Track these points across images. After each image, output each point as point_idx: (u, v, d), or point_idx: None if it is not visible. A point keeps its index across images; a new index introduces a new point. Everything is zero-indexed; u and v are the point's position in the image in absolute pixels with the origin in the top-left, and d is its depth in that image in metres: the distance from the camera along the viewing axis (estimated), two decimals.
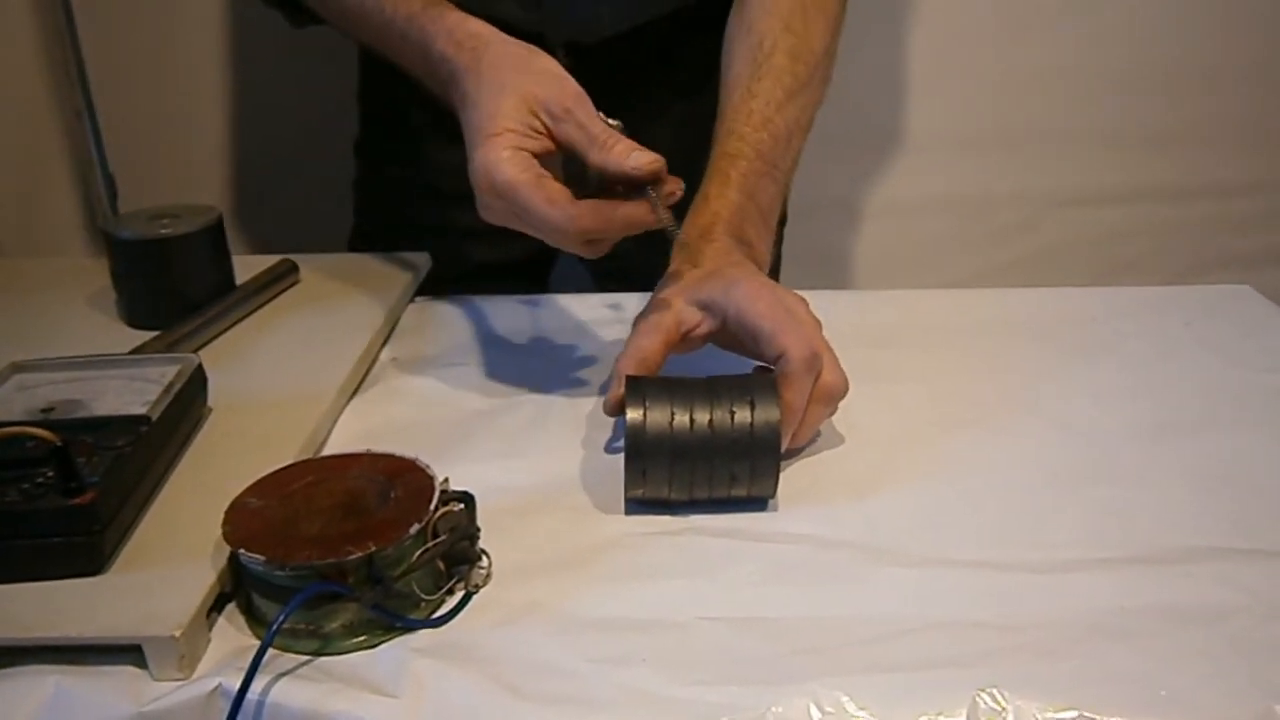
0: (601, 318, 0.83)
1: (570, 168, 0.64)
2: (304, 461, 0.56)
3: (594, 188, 0.62)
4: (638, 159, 0.60)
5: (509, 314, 0.84)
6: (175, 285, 0.77)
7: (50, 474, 0.51)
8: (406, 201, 0.99)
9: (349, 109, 1.01)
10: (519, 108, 0.61)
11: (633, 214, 0.61)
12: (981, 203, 1.35)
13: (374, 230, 1.02)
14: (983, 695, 0.46)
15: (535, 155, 0.61)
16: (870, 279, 1.38)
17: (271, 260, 0.86)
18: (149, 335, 0.74)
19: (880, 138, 1.32)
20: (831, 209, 1.34)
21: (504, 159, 0.60)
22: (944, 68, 1.28)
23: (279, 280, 0.84)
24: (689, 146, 0.77)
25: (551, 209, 0.60)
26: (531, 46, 0.65)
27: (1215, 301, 0.86)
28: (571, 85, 0.63)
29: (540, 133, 0.62)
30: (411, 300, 0.87)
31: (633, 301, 0.84)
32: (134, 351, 0.70)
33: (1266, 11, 1.26)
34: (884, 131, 1.31)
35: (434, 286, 0.90)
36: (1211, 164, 1.33)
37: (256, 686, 0.46)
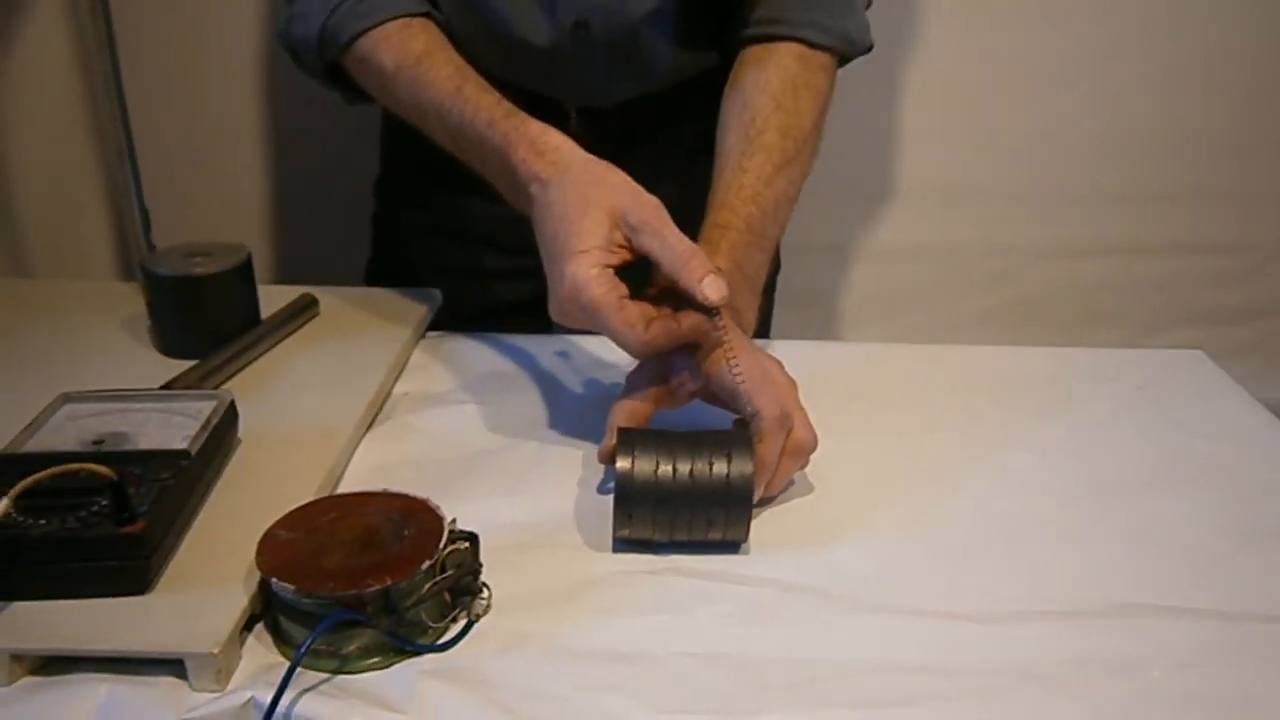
0: (600, 360, 0.90)
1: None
2: (327, 498, 0.63)
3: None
4: (710, 289, 0.65)
5: (514, 353, 0.91)
6: (207, 319, 0.84)
7: (104, 503, 0.57)
8: (421, 241, 1.05)
9: (370, 148, 1.08)
10: (602, 223, 0.67)
11: (697, 327, 0.67)
12: (965, 252, 1.42)
13: (389, 265, 1.08)
14: None
15: (615, 268, 0.67)
16: (857, 320, 1.45)
17: (293, 292, 0.93)
18: (182, 363, 0.80)
19: (872, 188, 1.39)
20: (823, 253, 1.41)
21: (592, 278, 0.66)
22: (934, 124, 1.35)
23: (301, 314, 0.91)
24: (689, 203, 0.83)
25: (630, 332, 0.66)
26: (608, 163, 0.71)
27: (1170, 366, 0.92)
28: (648, 197, 0.69)
29: (622, 247, 0.68)
30: (423, 336, 0.93)
31: None
32: (170, 382, 0.76)
33: (1241, 79, 1.33)
34: (875, 182, 1.38)
35: (444, 321, 0.96)
36: (1186, 223, 1.41)
37: (283, 701, 0.52)
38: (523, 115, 0.75)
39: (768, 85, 0.83)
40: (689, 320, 0.67)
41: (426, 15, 0.84)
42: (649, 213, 0.68)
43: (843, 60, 0.89)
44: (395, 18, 0.82)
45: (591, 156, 0.72)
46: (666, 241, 0.67)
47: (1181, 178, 1.39)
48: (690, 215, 0.81)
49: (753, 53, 0.86)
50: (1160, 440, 0.80)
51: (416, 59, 0.80)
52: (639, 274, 0.70)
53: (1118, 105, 1.35)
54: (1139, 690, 0.55)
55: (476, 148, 0.77)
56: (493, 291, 1.03)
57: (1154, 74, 1.34)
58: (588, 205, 0.68)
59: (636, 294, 0.69)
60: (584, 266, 0.66)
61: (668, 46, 0.90)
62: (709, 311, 0.67)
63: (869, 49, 0.90)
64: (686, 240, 0.67)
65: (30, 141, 1.26)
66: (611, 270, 0.67)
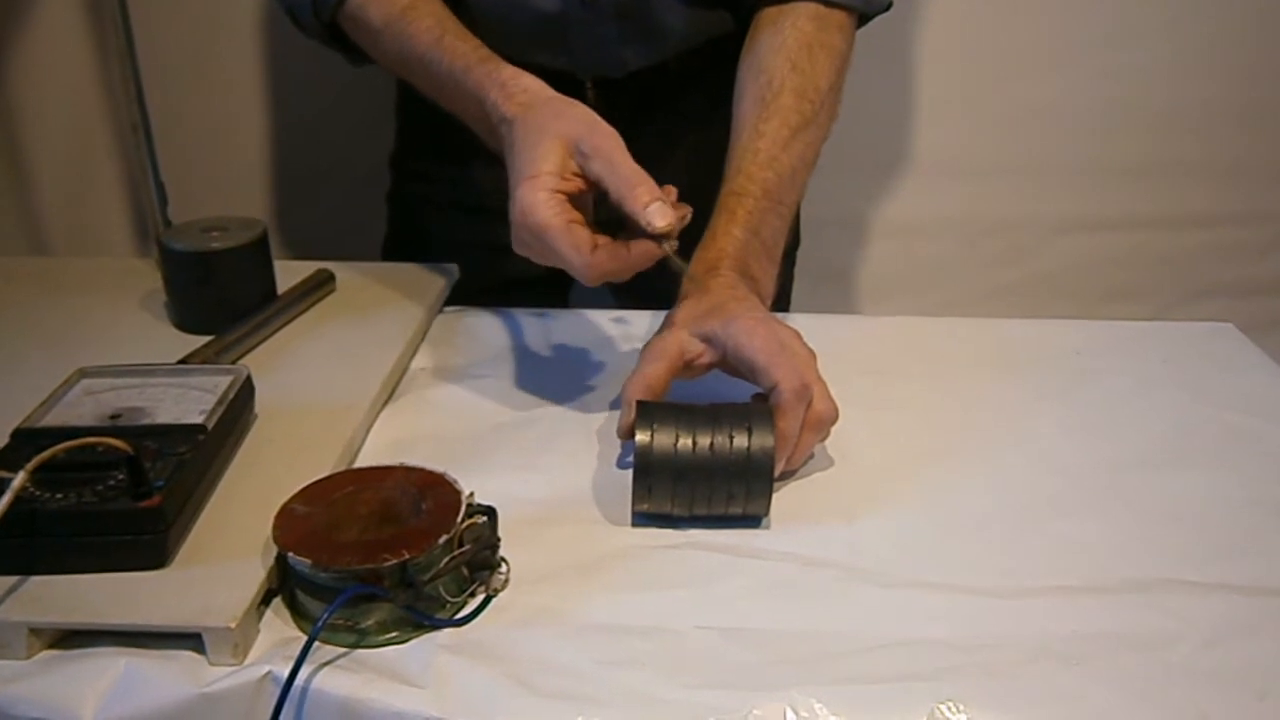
0: (616, 334, 0.89)
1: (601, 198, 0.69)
2: (344, 472, 0.62)
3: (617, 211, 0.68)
4: (655, 215, 0.64)
5: (531, 327, 0.90)
6: (223, 294, 0.84)
7: (121, 477, 0.57)
8: (437, 215, 1.05)
9: (385, 123, 1.07)
10: (556, 150, 0.67)
11: (646, 253, 0.67)
12: (983, 227, 1.40)
13: (405, 240, 1.08)
14: (941, 707, 0.51)
15: (570, 194, 0.67)
16: (875, 295, 1.44)
17: (310, 267, 0.92)
18: (198, 339, 0.80)
19: (889, 161, 1.37)
20: (841, 227, 1.40)
21: (540, 201, 0.66)
22: (952, 97, 1.33)
23: (317, 289, 0.90)
24: (701, 171, 0.82)
25: (575, 254, 0.65)
26: (573, 100, 0.71)
27: (1196, 339, 0.90)
28: (604, 127, 0.68)
29: (575, 174, 0.67)
30: (440, 311, 0.93)
31: (646, 319, 0.90)
32: (186, 357, 0.76)
33: (1256, 53, 1.31)
34: (893, 155, 1.37)
35: (460, 296, 0.95)
36: (1205, 196, 1.38)
37: (301, 674, 0.52)
38: (497, 60, 0.75)
39: (783, 47, 0.82)
40: (639, 247, 0.66)
41: None
42: (601, 140, 0.67)
43: (862, 19, 0.88)
44: None
45: (558, 94, 0.72)
46: (615, 168, 0.66)
47: (1200, 151, 1.36)
48: (701, 184, 0.80)
49: (768, 15, 0.84)
50: (1188, 414, 0.79)
51: (401, 12, 0.80)
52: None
53: (1135, 77, 1.32)
54: (1163, 667, 0.54)
55: (456, 95, 0.77)
56: (507, 265, 1.02)
57: (1172, 45, 1.31)
58: (544, 135, 0.68)
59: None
60: (533, 190, 0.66)
61: (678, 9, 0.89)
62: (656, 238, 0.66)
63: (887, 6, 0.88)
64: (636, 167, 0.66)
65: (46, 119, 1.26)
66: (563, 196, 0.66)
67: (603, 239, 0.67)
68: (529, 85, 0.72)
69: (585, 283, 0.68)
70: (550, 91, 0.72)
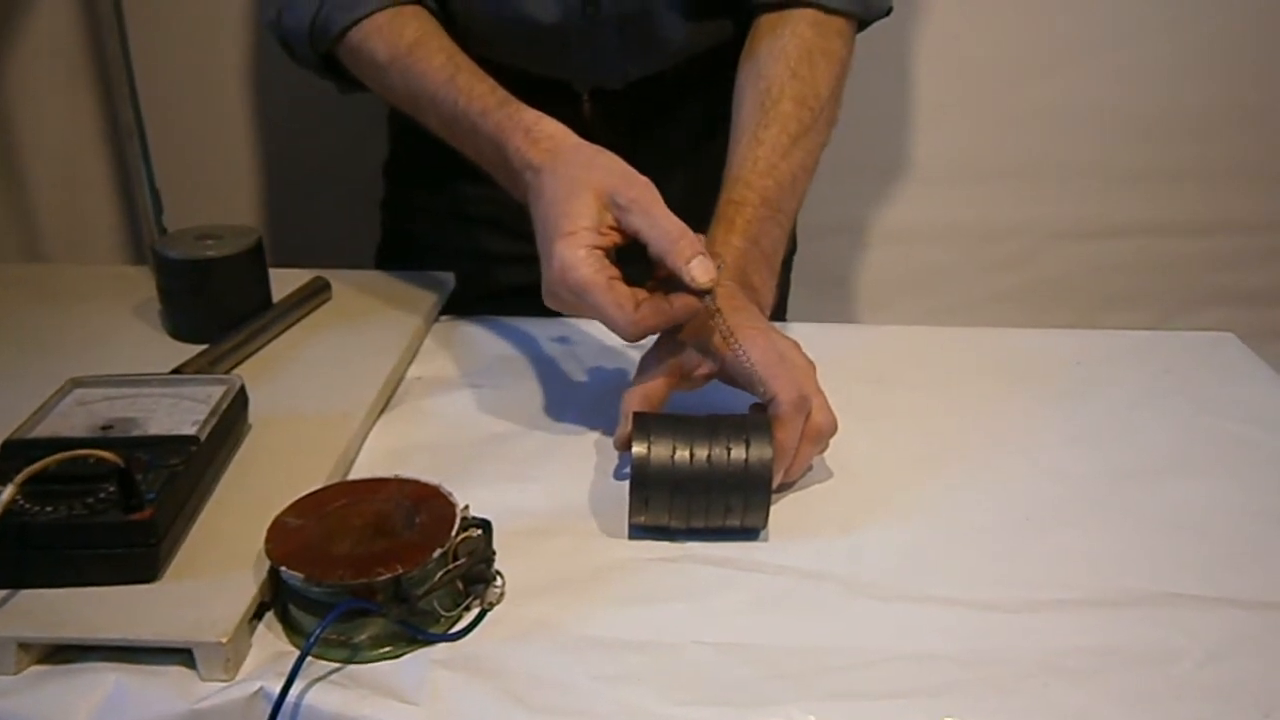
0: (614, 344, 0.88)
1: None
2: (338, 484, 0.62)
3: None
4: (698, 270, 0.64)
5: (527, 337, 0.89)
6: (218, 302, 0.83)
7: (112, 489, 0.56)
8: (432, 223, 1.04)
9: (380, 131, 1.07)
10: (591, 204, 0.66)
11: (687, 307, 0.66)
12: (983, 232, 1.39)
13: (399, 248, 1.07)
14: None
15: (606, 249, 0.66)
16: (873, 302, 1.43)
17: (305, 275, 0.92)
18: (193, 347, 0.80)
19: (888, 167, 1.36)
20: (839, 234, 1.39)
21: (580, 259, 0.65)
22: (950, 102, 1.32)
23: (313, 297, 0.90)
24: (702, 187, 0.82)
25: (619, 312, 0.65)
26: (600, 147, 0.70)
27: (1198, 348, 0.90)
28: (638, 177, 0.67)
29: (612, 228, 0.66)
30: (436, 320, 0.92)
31: None
32: (180, 366, 0.75)
33: (1257, 58, 1.30)
34: (892, 161, 1.36)
35: (455, 305, 0.95)
36: (1207, 202, 1.37)
37: (293, 691, 0.51)
38: (517, 103, 0.74)
39: (783, 53, 0.81)
40: (680, 301, 0.66)
41: (418, 2, 0.83)
42: (638, 192, 0.66)
43: (861, 25, 0.87)
44: (385, 7, 0.81)
45: (585, 141, 0.71)
46: (655, 221, 0.65)
47: (1202, 156, 1.35)
48: (703, 200, 0.80)
49: (767, 21, 0.84)
50: (1189, 423, 0.78)
51: (408, 48, 0.79)
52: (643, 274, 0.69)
53: (1136, 82, 1.32)
54: (1167, 682, 0.54)
55: (471, 137, 0.76)
56: (499, 275, 1.02)
57: (1174, 49, 1.30)
58: (577, 187, 0.67)
59: (637, 285, 0.68)
60: (572, 247, 0.65)
61: (680, 19, 0.88)
62: (699, 293, 0.65)
63: (887, 12, 0.88)
64: (676, 220, 0.65)
65: (42, 125, 1.26)
66: (601, 251, 0.66)
67: (641, 293, 0.67)
68: (553, 131, 0.71)
69: (627, 339, 0.67)
70: (575, 138, 0.71)
